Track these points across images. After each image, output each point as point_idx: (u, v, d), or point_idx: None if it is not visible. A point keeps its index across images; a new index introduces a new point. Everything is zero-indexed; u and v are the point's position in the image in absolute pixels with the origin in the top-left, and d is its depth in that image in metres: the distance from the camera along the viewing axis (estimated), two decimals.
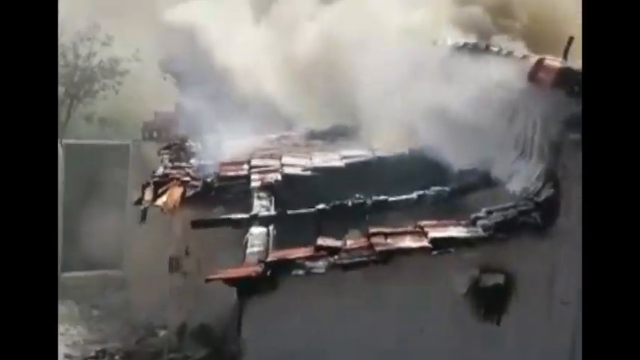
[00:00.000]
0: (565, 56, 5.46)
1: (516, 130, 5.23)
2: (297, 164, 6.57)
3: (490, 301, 4.32)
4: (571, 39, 5.44)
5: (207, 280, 4.30)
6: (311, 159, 6.76)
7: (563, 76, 4.31)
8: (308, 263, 4.25)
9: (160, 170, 7.00)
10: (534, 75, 4.70)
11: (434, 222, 4.57)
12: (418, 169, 6.12)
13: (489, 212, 4.50)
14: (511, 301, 4.31)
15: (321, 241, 4.43)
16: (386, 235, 4.46)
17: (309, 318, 4.26)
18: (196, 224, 5.53)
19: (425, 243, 4.31)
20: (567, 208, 4.30)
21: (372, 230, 4.53)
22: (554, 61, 4.65)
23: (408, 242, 4.35)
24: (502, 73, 5.12)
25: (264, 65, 7.99)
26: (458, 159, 5.87)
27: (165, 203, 6.27)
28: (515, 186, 4.78)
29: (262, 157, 6.89)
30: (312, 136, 7.82)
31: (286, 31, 7.84)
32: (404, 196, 5.45)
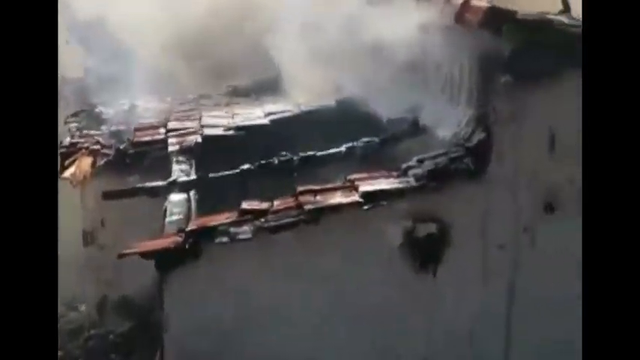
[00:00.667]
0: None
1: (443, 74, 5.08)
2: (218, 124, 6.22)
3: (425, 252, 4.21)
4: None
5: (121, 256, 3.95)
6: (233, 117, 6.42)
7: (490, 15, 4.15)
8: (232, 229, 3.98)
9: (67, 140, 6.48)
10: (461, 16, 4.54)
11: (364, 175, 4.37)
12: (346, 120, 5.90)
13: (420, 161, 4.34)
14: (446, 250, 4.21)
15: (245, 205, 4.15)
16: (315, 192, 4.23)
17: (235, 287, 4.03)
18: (108, 195, 5.13)
19: (356, 197, 4.11)
20: (499, 152, 4.20)
21: (300, 188, 4.28)
22: (480, 1, 4.48)
23: (338, 198, 4.14)
24: (427, 15, 4.92)
25: (170, 20, 7.48)
26: (386, 108, 5.69)
27: (73, 175, 5.81)
28: (445, 132, 4.64)
29: (180, 120, 6.50)
30: (234, 93, 7.44)
31: None
32: (332, 150, 5.23)
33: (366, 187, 4.17)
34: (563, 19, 4.22)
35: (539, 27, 4.08)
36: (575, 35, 4.01)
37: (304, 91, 6.45)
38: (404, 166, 4.35)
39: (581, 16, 4.26)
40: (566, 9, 4.43)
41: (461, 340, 4.27)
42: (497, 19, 4.09)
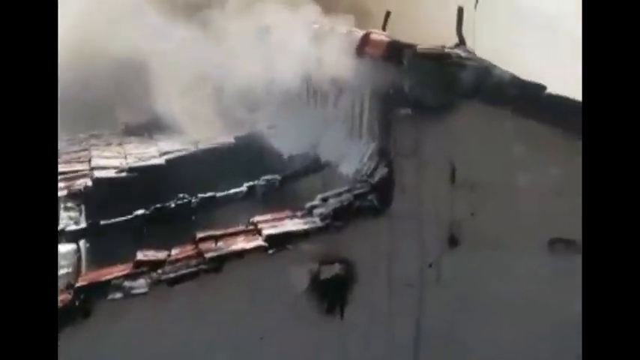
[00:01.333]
0: (384, 28, 5.34)
1: (344, 109, 5.02)
2: (109, 165, 5.86)
3: (332, 294, 4.05)
4: (388, 13, 5.33)
5: None
6: (126, 158, 6.07)
7: (391, 49, 4.14)
8: (127, 283, 3.66)
9: None
10: (361, 50, 4.50)
11: (268, 217, 4.18)
12: (246, 158, 5.73)
13: (325, 199, 4.21)
14: (353, 291, 4.08)
15: (140, 255, 3.84)
16: (216, 238, 3.98)
17: (130, 346, 3.69)
18: None
19: (260, 242, 3.91)
20: (402, 187, 4.13)
21: (200, 235, 4.03)
22: (380, 35, 4.47)
23: (241, 243, 3.91)
24: (328, 50, 4.85)
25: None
26: (287, 144, 5.57)
27: None
28: (347, 168, 4.55)
29: (68, 162, 6.07)
30: (127, 132, 7.08)
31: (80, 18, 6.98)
32: (233, 190, 5.01)
33: (270, 230, 3.98)
34: (460, 51, 4.27)
35: (437, 60, 4.10)
36: (471, 68, 4.07)
37: (201, 128, 6.22)
38: (308, 205, 4.21)
39: (474, 49, 4.36)
40: (462, 42, 4.50)
41: None
42: (397, 53, 4.07)
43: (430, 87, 4.07)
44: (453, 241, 4.15)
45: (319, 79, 5.04)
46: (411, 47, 4.10)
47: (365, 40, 4.56)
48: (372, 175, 4.22)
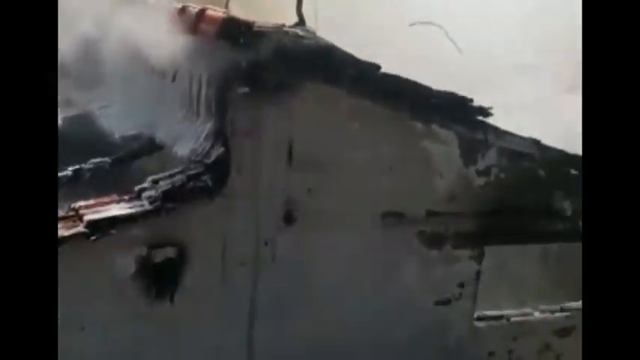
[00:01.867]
0: (227, 5, 5.17)
1: (180, 88, 4.79)
2: None
3: (162, 279, 3.87)
4: None
5: None
6: None
7: (227, 26, 3.99)
8: None
9: None
10: (196, 27, 4.31)
11: (91, 202, 3.90)
12: (73, 139, 5.28)
13: (155, 182, 3.98)
14: (185, 274, 3.92)
15: None
16: None
17: None
18: None
19: (80, 228, 3.63)
20: (238, 166, 4.01)
21: None
22: (216, 12, 4.30)
23: (60, 231, 3.59)
24: (162, 26, 4.59)
25: None
26: (119, 125, 5.22)
27: None
28: (182, 149, 4.34)
29: None
30: None
31: None
32: (58, 174, 4.58)
33: (92, 215, 3.69)
34: (299, 31, 4.20)
35: (276, 38, 4.00)
36: (309, 47, 4.03)
37: None
38: (137, 188, 3.96)
39: (316, 29, 4.32)
40: (301, 21, 4.45)
41: None
42: (234, 30, 3.94)
43: (267, 65, 3.97)
44: (288, 219, 4.09)
45: (154, 56, 4.76)
46: (247, 24, 3.97)
47: (200, 16, 4.36)
48: (207, 155, 4.06)
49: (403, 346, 4.45)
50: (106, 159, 4.73)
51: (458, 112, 4.31)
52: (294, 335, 4.18)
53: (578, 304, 4.74)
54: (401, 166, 4.18)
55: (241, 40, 3.95)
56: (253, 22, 4.02)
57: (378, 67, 4.06)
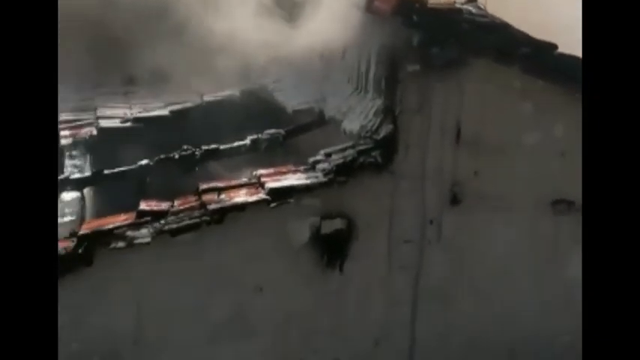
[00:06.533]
0: None
1: (350, 63, 4.94)
2: (114, 115, 5.83)
3: (332, 248, 4.08)
4: None
5: None
6: (131, 108, 6.03)
7: (403, 3, 4.03)
8: (130, 232, 3.68)
9: None
10: (370, 4, 4.39)
11: (270, 170, 4.17)
12: (250, 111, 5.68)
13: (328, 155, 4.19)
14: (353, 246, 4.10)
15: (144, 205, 3.85)
16: (218, 190, 3.98)
17: (132, 294, 3.74)
18: None
19: (262, 195, 3.90)
20: (406, 144, 4.11)
21: (203, 186, 4.03)
22: None
23: (243, 196, 3.91)
24: (336, 4, 4.75)
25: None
26: (291, 98, 5.51)
27: None
28: (351, 124, 4.51)
29: (73, 110, 6.03)
30: (132, 82, 7.02)
31: None
32: (236, 143, 4.98)
33: (272, 183, 3.97)
34: (471, 8, 4.18)
35: (448, 16, 4.01)
36: (482, 24, 4.00)
37: (206, 80, 6.16)
38: (311, 160, 4.19)
39: (485, 5, 4.27)
40: None
41: (367, 335, 4.17)
42: (407, 8, 3.97)
43: (439, 43, 4.00)
44: (455, 199, 4.14)
45: (326, 33, 4.95)
46: (422, 1, 4.00)
47: None
48: (376, 131, 4.19)
49: (564, 345, 4.32)
50: (280, 130, 5.06)
51: None
52: (454, 319, 4.24)
53: None
54: (574, 151, 4.05)
55: (414, 18, 3.99)
56: (426, 0, 4.05)
57: (555, 47, 3.95)
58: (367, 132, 4.24)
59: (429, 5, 4.02)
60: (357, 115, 4.51)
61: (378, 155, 4.07)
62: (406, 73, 4.07)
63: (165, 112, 5.90)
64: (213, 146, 4.92)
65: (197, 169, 4.85)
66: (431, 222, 4.15)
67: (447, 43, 4.00)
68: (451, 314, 4.25)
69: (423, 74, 4.03)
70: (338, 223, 4.02)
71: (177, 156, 4.81)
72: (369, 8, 4.44)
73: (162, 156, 4.80)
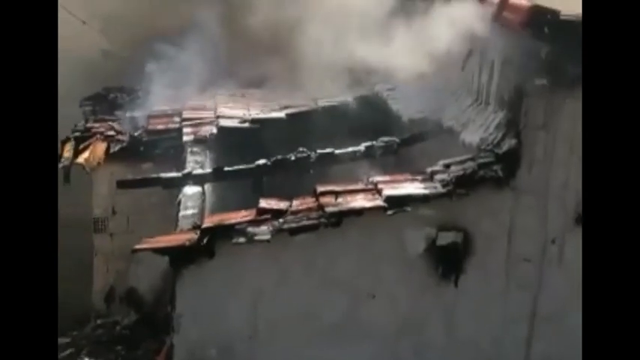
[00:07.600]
0: None
1: (470, 74, 4.88)
2: (234, 115, 6.05)
3: (447, 261, 4.02)
4: None
5: (134, 251, 3.79)
6: (249, 109, 6.23)
7: (534, 15, 3.91)
8: (250, 229, 3.80)
9: (82, 124, 6.33)
10: (498, 15, 4.31)
11: (387, 178, 4.18)
12: (364, 118, 5.72)
13: (447, 166, 4.14)
14: (469, 260, 4.02)
15: (264, 203, 3.96)
16: (336, 193, 4.03)
17: (251, 290, 3.85)
18: (122, 184, 4.97)
19: (379, 202, 3.91)
20: (529, 160, 4.00)
21: (321, 189, 4.09)
22: (521, 0, 4.26)
23: (360, 202, 3.94)
24: (463, 13, 4.70)
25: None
26: (407, 106, 5.50)
27: (87, 160, 5.66)
28: (471, 136, 4.43)
29: (195, 109, 6.30)
30: (250, 84, 7.25)
31: None
32: (350, 148, 5.03)
33: (390, 191, 3.97)
34: None
35: (579, 29, 3.87)
36: None
37: (321, 85, 6.26)
38: (429, 170, 4.16)
39: None
40: None
41: (481, 352, 4.10)
42: (538, 19, 3.85)
43: (570, 57, 3.87)
44: (579, 219, 3.98)
45: (450, 42, 4.91)
46: (554, 13, 3.88)
47: (503, 4, 4.36)
48: (498, 145, 4.09)
49: None
50: (395, 139, 5.06)
51: None
52: (572, 344, 4.06)
53: None
54: None
55: (546, 30, 3.86)
56: (559, 11, 3.93)
57: None
58: (488, 145, 4.15)
59: (561, 17, 3.90)
60: (477, 127, 4.44)
61: (499, 169, 3.98)
62: (533, 86, 3.96)
63: (281, 114, 6.05)
64: (328, 150, 4.99)
65: (311, 171, 4.94)
66: (553, 241, 4.02)
67: (578, 57, 3.86)
68: (569, 339, 4.09)
69: (551, 88, 3.91)
70: (454, 236, 3.97)
71: (293, 157, 4.92)
72: (497, 18, 4.36)
73: (279, 157, 4.92)
